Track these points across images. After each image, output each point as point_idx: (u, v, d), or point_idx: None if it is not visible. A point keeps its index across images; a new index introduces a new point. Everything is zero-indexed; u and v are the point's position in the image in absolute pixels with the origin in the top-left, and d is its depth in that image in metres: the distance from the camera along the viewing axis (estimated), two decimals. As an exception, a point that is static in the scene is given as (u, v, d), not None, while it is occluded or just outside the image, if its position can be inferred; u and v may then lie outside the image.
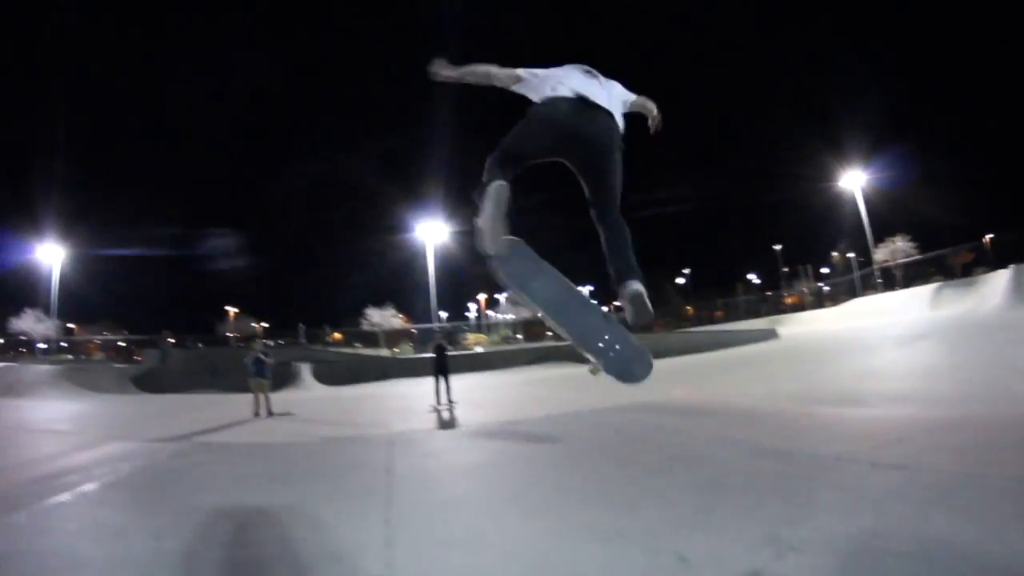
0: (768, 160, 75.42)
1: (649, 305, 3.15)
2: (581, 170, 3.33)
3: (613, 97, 3.53)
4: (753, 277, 62.96)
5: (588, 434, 6.88)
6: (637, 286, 3.14)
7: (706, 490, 3.78)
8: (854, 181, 37.01)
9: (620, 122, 3.48)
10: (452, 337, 39.21)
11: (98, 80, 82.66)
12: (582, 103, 3.29)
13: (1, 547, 3.61)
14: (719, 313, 48.83)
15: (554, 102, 3.31)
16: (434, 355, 14.13)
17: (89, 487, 5.17)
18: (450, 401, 13.07)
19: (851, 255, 44.46)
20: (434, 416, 12.11)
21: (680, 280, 65.46)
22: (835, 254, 54.70)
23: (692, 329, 40.41)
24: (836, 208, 40.65)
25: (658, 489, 3.90)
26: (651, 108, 3.85)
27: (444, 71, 3.62)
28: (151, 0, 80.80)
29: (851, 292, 36.49)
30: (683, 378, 14.81)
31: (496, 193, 2.97)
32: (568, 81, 3.38)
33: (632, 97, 3.78)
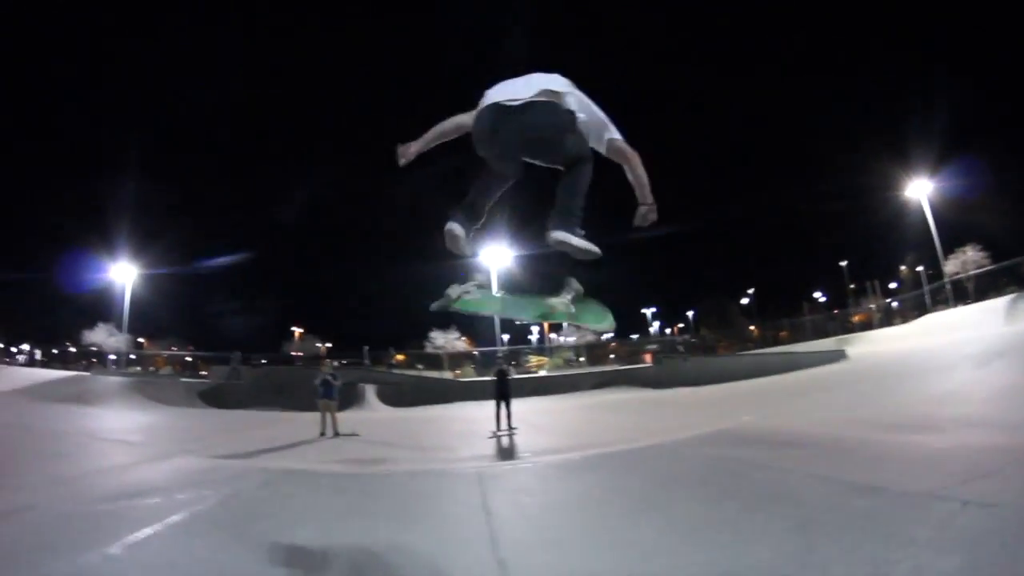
0: (831, 172, 73.78)
1: (581, 245, 3.10)
2: (539, 161, 3.33)
3: (543, 84, 3.32)
4: (819, 295, 61.38)
5: (674, 467, 6.67)
6: (556, 234, 3.09)
7: (806, 528, 3.71)
8: (920, 190, 35.55)
9: (564, 101, 3.28)
10: (514, 360, 39.26)
11: (166, 106, 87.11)
12: (496, 108, 3.20)
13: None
14: (785, 334, 46.94)
15: (475, 122, 3.30)
16: (495, 380, 14.01)
17: (177, 518, 5.07)
18: (510, 427, 12.89)
19: (920, 268, 42.77)
20: (497, 442, 12.07)
21: (744, 300, 64.31)
22: (903, 268, 52.75)
23: (758, 351, 39.06)
24: (902, 219, 39.03)
25: (758, 528, 3.84)
26: (640, 175, 3.42)
27: (411, 149, 3.56)
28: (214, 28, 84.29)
29: (921, 308, 34.82)
30: (753, 403, 14.30)
31: (448, 231, 3.36)
32: (489, 94, 3.33)
33: (611, 135, 3.45)
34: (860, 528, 3.60)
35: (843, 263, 55.81)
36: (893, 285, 53.06)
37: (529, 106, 3.16)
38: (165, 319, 55.82)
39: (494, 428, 12.94)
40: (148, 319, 51.07)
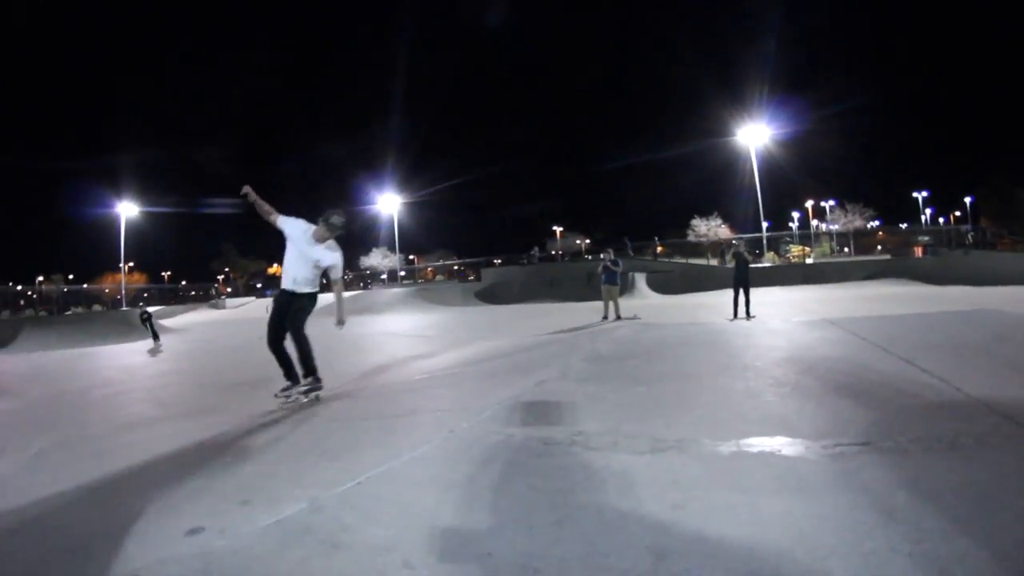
0: None
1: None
2: None
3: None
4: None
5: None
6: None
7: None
8: None
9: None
10: (777, 248, 36.23)
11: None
12: None
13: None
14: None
15: None
16: (733, 265, 12.67)
17: (556, 370, 5.02)
18: (748, 315, 11.63)
19: None
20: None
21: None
22: None
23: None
24: None
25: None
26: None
27: (251, 196, 5.38)
28: None
29: None
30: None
31: None
32: None
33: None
34: None
35: None
36: None
37: None
38: (430, 236, 62.18)
39: (731, 315, 11.75)
40: (415, 239, 57.84)
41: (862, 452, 2.48)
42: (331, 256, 5.04)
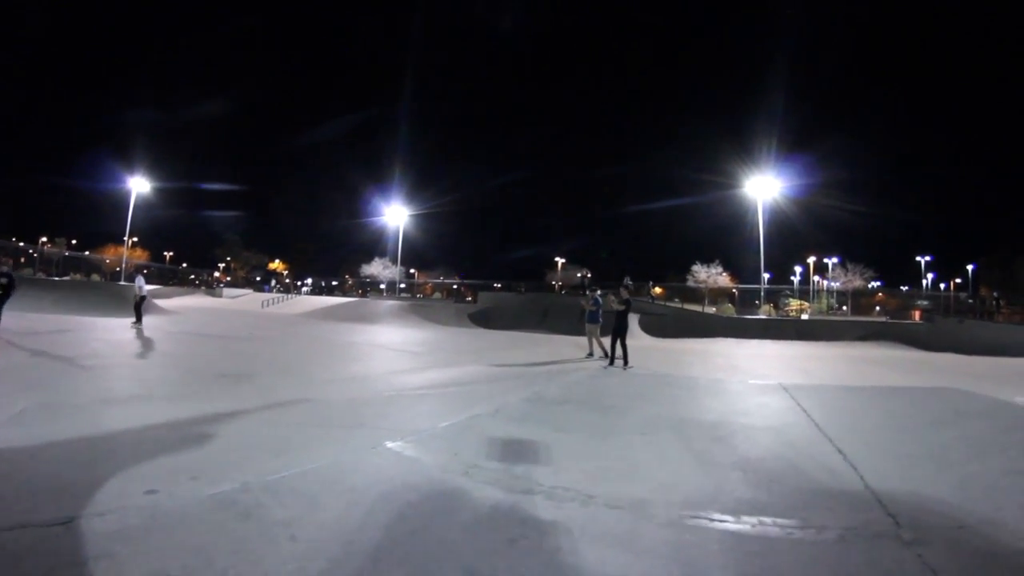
0: None
1: None
2: None
3: None
4: None
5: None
6: None
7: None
8: None
9: None
10: (776, 301, 35.81)
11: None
12: None
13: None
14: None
15: None
16: (618, 311, 11.78)
17: (525, 393, 5.61)
18: (625, 364, 10.84)
19: None
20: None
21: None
22: None
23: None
24: None
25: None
26: None
27: None
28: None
29: None
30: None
31: None
32: None
33: None
34: None
35: None
36: None
37: None
38: (433, 252, 63.02)
39: (607, 362, 11.22)
40: (418, 253, 58.79)
41: (712, 527, 2.63)
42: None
